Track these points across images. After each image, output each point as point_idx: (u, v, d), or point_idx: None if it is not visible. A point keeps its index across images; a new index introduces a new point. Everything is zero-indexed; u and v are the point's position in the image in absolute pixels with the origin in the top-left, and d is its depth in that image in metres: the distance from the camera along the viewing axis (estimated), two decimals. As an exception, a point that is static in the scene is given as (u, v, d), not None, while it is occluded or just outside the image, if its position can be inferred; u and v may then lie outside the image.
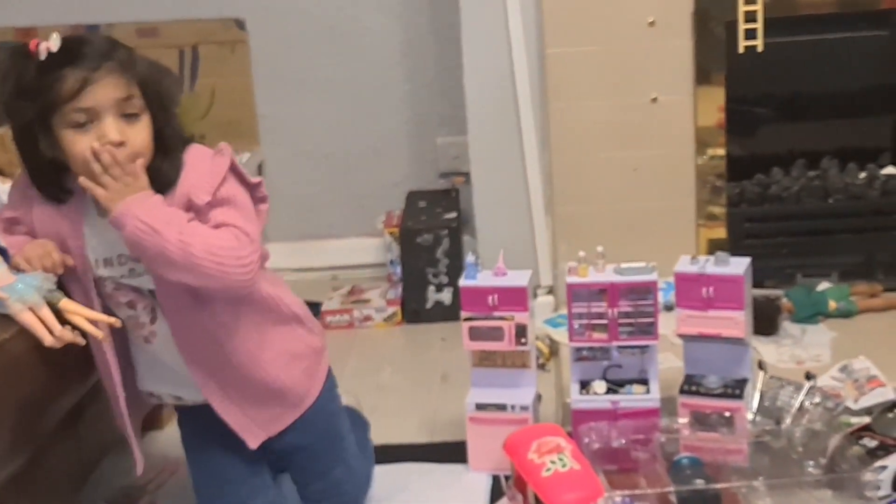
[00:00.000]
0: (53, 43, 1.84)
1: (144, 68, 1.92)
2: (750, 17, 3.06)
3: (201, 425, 2.15)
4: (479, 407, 2.44)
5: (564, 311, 2.50)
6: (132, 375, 2.12)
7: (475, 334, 2.43)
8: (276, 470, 2.28)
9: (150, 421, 2.48)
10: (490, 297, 2.40)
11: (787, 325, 3.01)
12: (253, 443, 2.09)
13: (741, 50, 3.08)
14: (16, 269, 1.89)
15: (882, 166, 3.34)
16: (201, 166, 1.96)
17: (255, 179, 2.03)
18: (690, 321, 2.39)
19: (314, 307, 3.35)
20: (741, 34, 3.08)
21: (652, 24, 3.10)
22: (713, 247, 3.12)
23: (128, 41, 1.98)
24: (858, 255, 3.26)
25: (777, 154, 3.39)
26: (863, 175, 3.30)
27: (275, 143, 3.77)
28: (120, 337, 2.05)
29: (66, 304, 1.87)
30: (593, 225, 3.21)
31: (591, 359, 2.45)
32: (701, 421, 2.38)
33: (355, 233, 3.84)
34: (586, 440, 2.33)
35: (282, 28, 3.73)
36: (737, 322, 2.35)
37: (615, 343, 2.41)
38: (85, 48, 1.86)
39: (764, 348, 2.83)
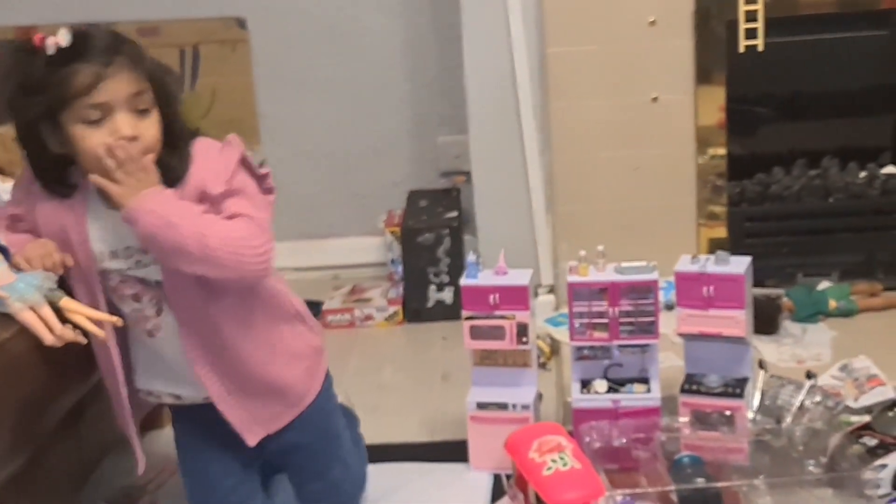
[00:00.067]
0: (63, 38, 1.83)
1: (151, 63, 1.92)
2: (751, 16, 3.06)
3: (196, 428, 2.15)
4: (481, 406, 2.45)
5: (565, 310, 2.51)
6: (130, 374, 2.12)
7: (476, 333, 2.44)
8: (273, 471, 2.28)
9: (150, 420, 2.48)
10: (491, 297, 2.40)
11: (788, 325, 3.01)
12: (251, 440, 2.09)
13: (742, 49, 3.08)
14: (16, 268, 1.89)
15: (882, 165, 3.33)
16: (210, 158, 1.96)
17: (262, 170, 2.04)
18: (691, 320, 2.39)
19: (315, 306, 3.36)
20: (742, 34, 3.08)
21: (653, 23, 3.11)
22: (714, 246, 3.11)
23: (129, 40, 1.98)
24: (859, 254, 3.26)
25: (778, 153, 3.39)
26: (863, 174, 3.30)
27: (276, 143, 3.77)
28: (120, 335, 2.04)
29: (66, 302, 1.87)
30: (594, 224, 3.21)
31: (592, 358, 2.45)
32: (702, 420, 2.38)
33: (356, 232, 3.84)
34: (587, 439, 2.33)
35: (283, 27, 3.74)
36: (737, 321, 2.35)
37: (616, 342, 2.41)
38: (93, 42, 1.85)
39: (764, 347, 2.83)
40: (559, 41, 3.15)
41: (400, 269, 3.48)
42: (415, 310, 3.45)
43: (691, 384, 2.41)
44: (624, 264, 2.39)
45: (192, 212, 1.89)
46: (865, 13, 3.21)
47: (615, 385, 2.43)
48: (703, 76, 3.15)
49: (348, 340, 3.31)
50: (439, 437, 2.64)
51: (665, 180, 3.22)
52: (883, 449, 2.25)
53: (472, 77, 3.27)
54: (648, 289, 2.37)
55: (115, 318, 1.94)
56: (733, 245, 3.12)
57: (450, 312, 3.32)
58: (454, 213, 3.49)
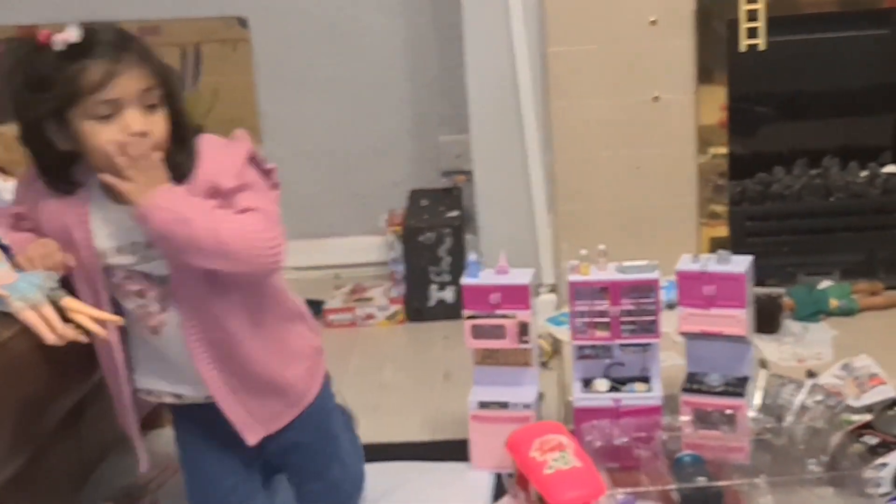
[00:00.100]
0: (73, 34, 1.83)
1: (157, 60, 1.93)
2: (752, 15, 3.06)
3: (196, 428, 2.15)
4: (482, 405, 2.45)
5: (566, 310, 2.51)
6: (129, 374, 2.11)
7: (477, 332, 2.44)
8: (272, 471, 2.27)
9: (152, 420, 2.48)
10: (492, 296, 2.41)
11: (789, 324, 3.01)
12: (252, 439, 2.09)
13: (743, 49, 3.08)
14: (18, 267, 1.89)
15: (883, 165, 3.33)
16: (218, 153, 1.97)
17: (269, 165, 2.04)
18: (692, 319, 2.39)
19: (316, 306, 3.36)
20: (743, 33, 3.08)
21: (654, 22, 3.11)
22: (715, 245, 3.11)
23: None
24: (860, 253, 3.26)
25: (779, 152, 3.39)
26: (864, 173, 3.30)
27: (277, 142, 3.77)
28: (121, 334, 2.04)
29: (68, 302, 1.87)
30: (595, 223, 3.22)
31: (594, 357, 2.45)
32: (703, 419, 2.38)
33: (358, 231, 3.85)
34: (588, 438, 2.33)
35: (284, 27, 3.74)
36: (738, 320, 2.35)
37: (617, 341, 2.41)
38: (102, 38, 1.85)
39: (765, 346, 2.83)
40: (560, 40, 3.15)
41: (401, 268, 3.48)
42: (416, 309, 3.45)
43: (692, 383, 2.41)
44: (625, 263, 2.39)
45: (204, 207, 1.89)
46: (866, 12, 3.21)
47: (616, 384, 2.43)
48: (705, 75, 3.15)
49: (349, 340, 3.31)
50: (441, 436, 2.64)
51: (666, 179, 3.22)
52: (884, 448, 2.26)
53: (473, 76, 3.27)
54: (650, 288, 2.37)
55: (116, 318, 1.94)
56: (734, 244, 3.12)
57: (451, 312, 3.32)
58: (455, 213, 3.49)
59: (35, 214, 1.99)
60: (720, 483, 2.19)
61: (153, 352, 2.06)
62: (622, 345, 2.42)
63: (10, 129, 1.97)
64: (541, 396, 2.50)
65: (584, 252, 2.41)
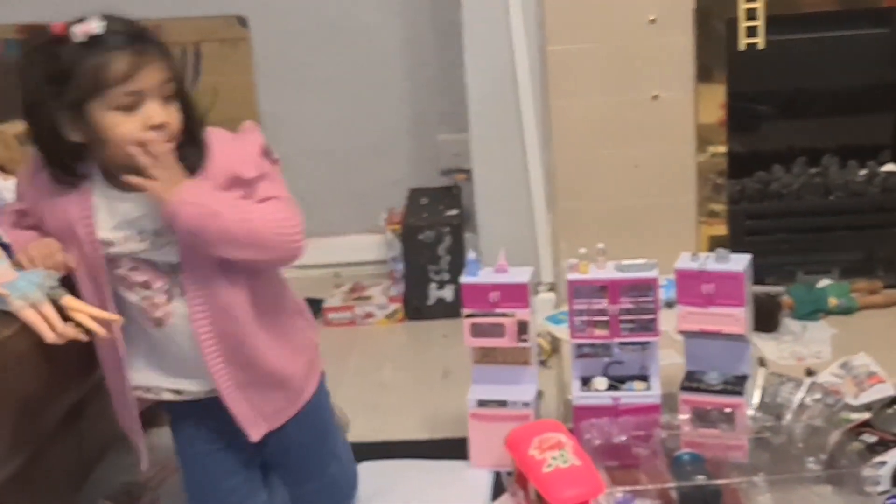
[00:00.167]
0: (96, 25, 1.83)
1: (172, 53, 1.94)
2: (751, 14, 3.06)
3: (196, 428, 2.14)
4: (481, 403, 2.45)
5: (565, 308, 2.51)
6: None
7: (476, 331, 2.44)
8: (267, 473, 2.27)
9: (152, 418, 2.48)
10: (491, 294, 2.41)
11: (788, 322, 3.01)
12: (255, 435, 2.08)
13: (742, 47, 3.08)
14: (18, 266, 1.89)
15: (882, 163, 3.33)
16: (229, 146, 1.99)
17: (275, 156, 2.05)
18: (691, 318, 2.40)
19: (316, 304, 3.37)
20: (742, 31, 3.08)
21: (653, 21, 3.11)
22: (714, 244, 3.11)
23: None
24: (859, 251, 3.27)
25: (778, 151, 3.40)
26: (863, 172, 3.30)
27: (276, 141, 3.71)
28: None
29: (68, 301, 1.86)
30: (594, 222, 3.22)
31: (593, 355, 2.46)
32: (702, 417, 2.39)
33: (357, 230, 3.85)
34: (587, 436, 2.33)
35: (284, 25, 3.74)
36: (737, 319, 2.35)
37: (616, 339, 2.41)
38: (124, 30, 1.86)
39: (764, 345, 2.83)
40: (559, 39, 3.15)
41: (400, 266, 3.48)
42: (415, 307, 3.45)
43: (691, 381, 2.42)
44: (624, 262, 2.40)
45: (229, 199, 1.92)
46: (866, 11, 3.21)
47: (615, 382, 2.43)
48: (704, 74, 3.15)
49: (349, 338, 3.31)
50: (440, 434, 2.65)
51: (665, 178, 3.22)
52: (882, 446, 2.26)
53: (473, 75, 3.27)
54: (649, 286, 2.37)
55: (116, 317, 1.94)
56: (733, 243, 3.12)
57: (450, 310, 3.32)
58: (455, 211, 3.49)
59: (37, 210, 1.99)
60: (719, 481, 2.20)
61: (154, 346, 2.05)
62: (621, 343, 2.42)
63: (10, 128, 1.97)
64: (540, 395, 2.50)
65: (583, 250, 2.41)
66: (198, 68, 3.74)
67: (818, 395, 2.42)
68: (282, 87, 3.79)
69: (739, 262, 2.37)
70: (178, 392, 2.10)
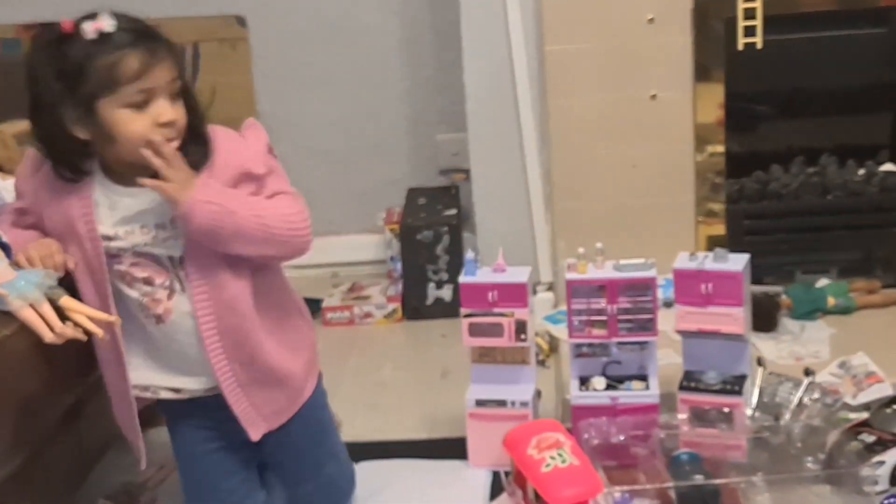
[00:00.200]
0: (107, 23, 1.83)
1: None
2: (749, 14, 3.06)
3: (194, 430, 2.14)
4: (479, 403, 2.45)
5: (564, 308, 2.51)
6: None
7: (475, 331, 2.44)
8: (263, 473, 2.27)
9: (151, 418, 2.48)
10: (490, 294, 2.41)
11: (786, 322, 3.02)
12: (255, 435, 2.08)
13: (740, 47, 3.09)
14: (17, 266, 1.89)
15: (880, 163, 3.34)
16: (234, 143, 1.99)
17: (275, 153, 2.07)
18: (689, 317, 2.40)
19: (314, 304, 3.36)
20: (740, 31, 3.08)
21: (651, 20, 3.11)
22: (712, 243, 3.11)
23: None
24: (857, 251, 3.27)
25: (776, 151, 3.40)
26: (861, 172, 3.30)
27: (275, 140, 3.69)
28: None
29: (67, 301, 1.86)
30: (592, 221, 3.22)
31: (591, 355, 2.46)
32: (700, 417, 2.39)
33: (356, 229, 3.85)
34: (586, 436, 2.34)
35: (282, 25, 3.74)
36: (736, 318, 2.36)
37: (614, 339, 2.42)
38: (132, 27, 1.87)
39: (763, 345, 2.84)
40: (558, 38, 3.15)
41: (399, 266, 3.48)
42: (414, 307, 3.45)
43: (690, 381, 2.42)
44: (622, 261, 2.40)
45: (241, 196, 1.94)
46: (864, 11, 3.22)
47: (614, 382, 2.44)
48: (702, 73, 3.15)
49: (347, 338, 3.31)
50: (438, 434, 2.65)
51: (664, 178, 3.22)
52: (881, 445, 2.26)
53: (471, 75, 3.27)
54: (647, 286, 2.38)
55: (114, 318, 1.93)
56: (732, 242, 3.12)
57: (449, 310, 3.32)
58: (453, 211, 3.49)
59: (37, 208, 1.99)
60: (717, 481, 2.20)
61: (153, 344, 2.04)
62: (619, 343, 2.42)
63: (9, 127, 1.97)
64: (538, 394, 2.50)
65: (581, 250, 2.42)
66: (196, 68, 3.73)
67: (817, 395, 2.42)
68: (280, 87, 3.79)
69: (738, 262, 2.37)
70: (176, 391, 2.09)
